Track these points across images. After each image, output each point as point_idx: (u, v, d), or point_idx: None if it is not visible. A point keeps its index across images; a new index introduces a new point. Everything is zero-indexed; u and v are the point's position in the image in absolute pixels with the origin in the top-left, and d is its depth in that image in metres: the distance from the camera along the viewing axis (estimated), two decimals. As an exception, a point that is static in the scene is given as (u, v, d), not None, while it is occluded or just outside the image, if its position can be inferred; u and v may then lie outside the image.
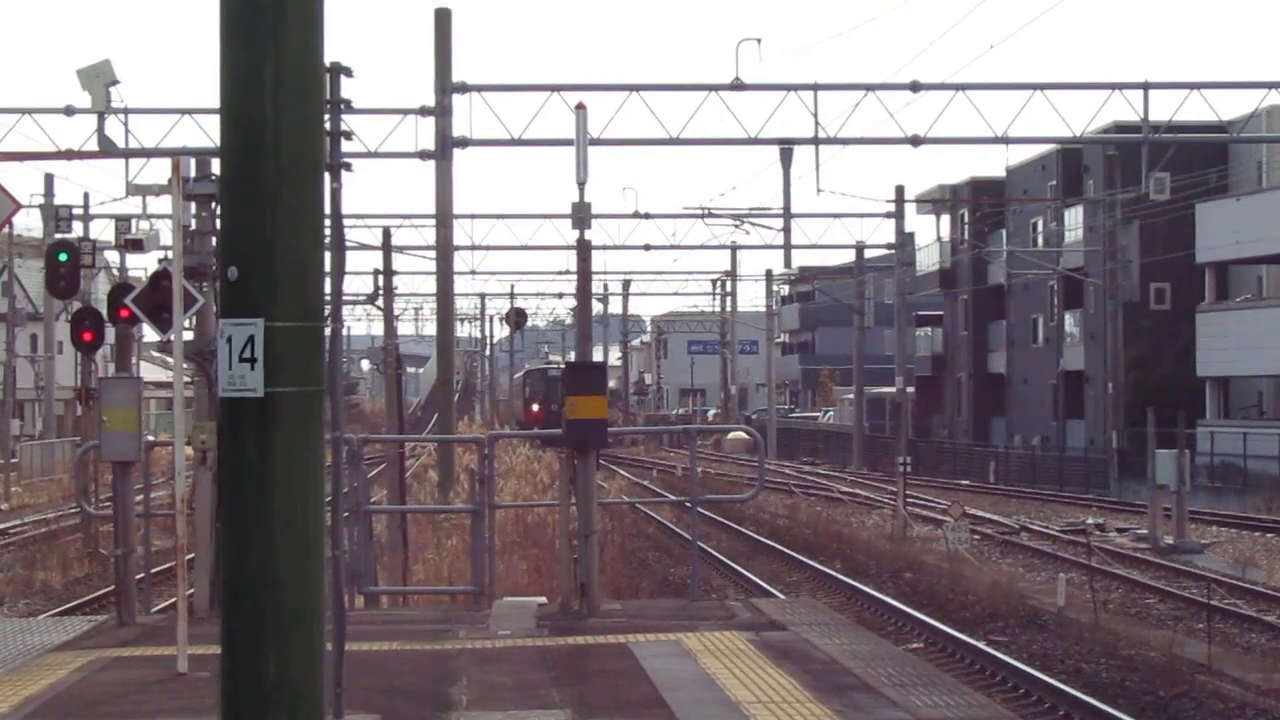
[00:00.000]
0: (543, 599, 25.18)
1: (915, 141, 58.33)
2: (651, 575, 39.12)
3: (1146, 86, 57.25)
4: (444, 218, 52.68)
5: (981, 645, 30.77)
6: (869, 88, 55.81)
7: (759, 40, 57.61)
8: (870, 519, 65.42)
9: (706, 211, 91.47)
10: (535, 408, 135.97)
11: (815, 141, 57.36)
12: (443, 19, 51.60)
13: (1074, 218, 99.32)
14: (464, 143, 51.72)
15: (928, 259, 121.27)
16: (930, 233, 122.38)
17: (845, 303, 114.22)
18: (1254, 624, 35.01)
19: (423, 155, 51.75)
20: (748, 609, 24.07)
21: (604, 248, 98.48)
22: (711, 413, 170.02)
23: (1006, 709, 19.44)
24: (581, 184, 25.25)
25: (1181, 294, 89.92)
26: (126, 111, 48.77)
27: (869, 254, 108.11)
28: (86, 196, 70.47)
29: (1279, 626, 34.48)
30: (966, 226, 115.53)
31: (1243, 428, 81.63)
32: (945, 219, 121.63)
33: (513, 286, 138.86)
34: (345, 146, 16.24)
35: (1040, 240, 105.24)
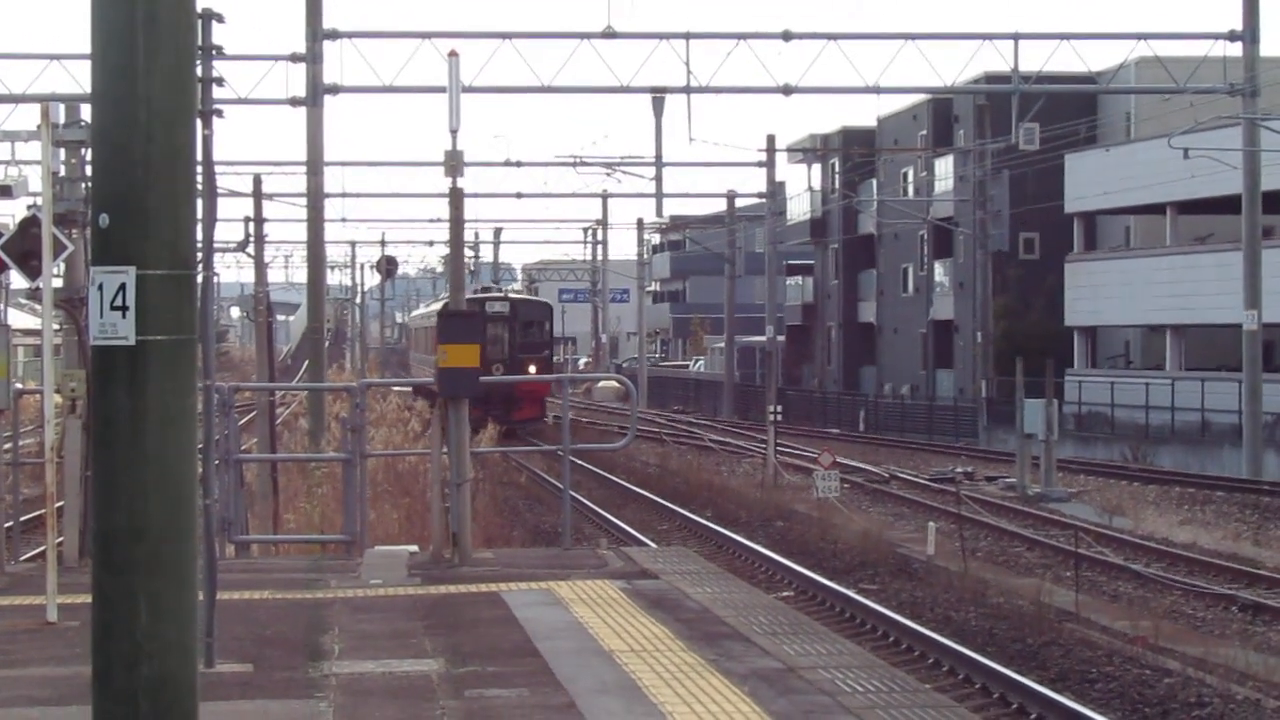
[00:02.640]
0: (414, 548, 25.18)
1: (787, 90, 58.54)
2: (524, 524, 39.21)
3: (1016, 37, 57.61)
4: (315, 165, 52.43)
5: (852, 594, 30.92)
6: (741, 36, 55.90)
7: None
8: (741, 467, 65.66)
9: (578, 160, 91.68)
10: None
11: (687, 90, 57.45)
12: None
13: (944, 167, 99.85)
14: (335, 89, 51.55)
15: (799, 208, 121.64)
16: (801, 182, 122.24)
17: (716, 252, 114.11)
18: (1120, 572, 35.31)
19: (294, 102, 51.50)
20: (620, 558, 24.11)
21: (476, 195, 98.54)
22: (583, 361, 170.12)
23: (877, 657, 19.50)
24: (454, 132, 25.19)
25: (1050, 244, 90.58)
26: (20, 58, 48.38)
27: (740, 203, 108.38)
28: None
29: (1145, 574, 34.80)
30: (837, 176, 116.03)
31: (1110, 377, 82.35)
32: (816, 168, 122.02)
33: (384, 234, 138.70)
34: (216, 93, 16.14)
35: (911, 190, 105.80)
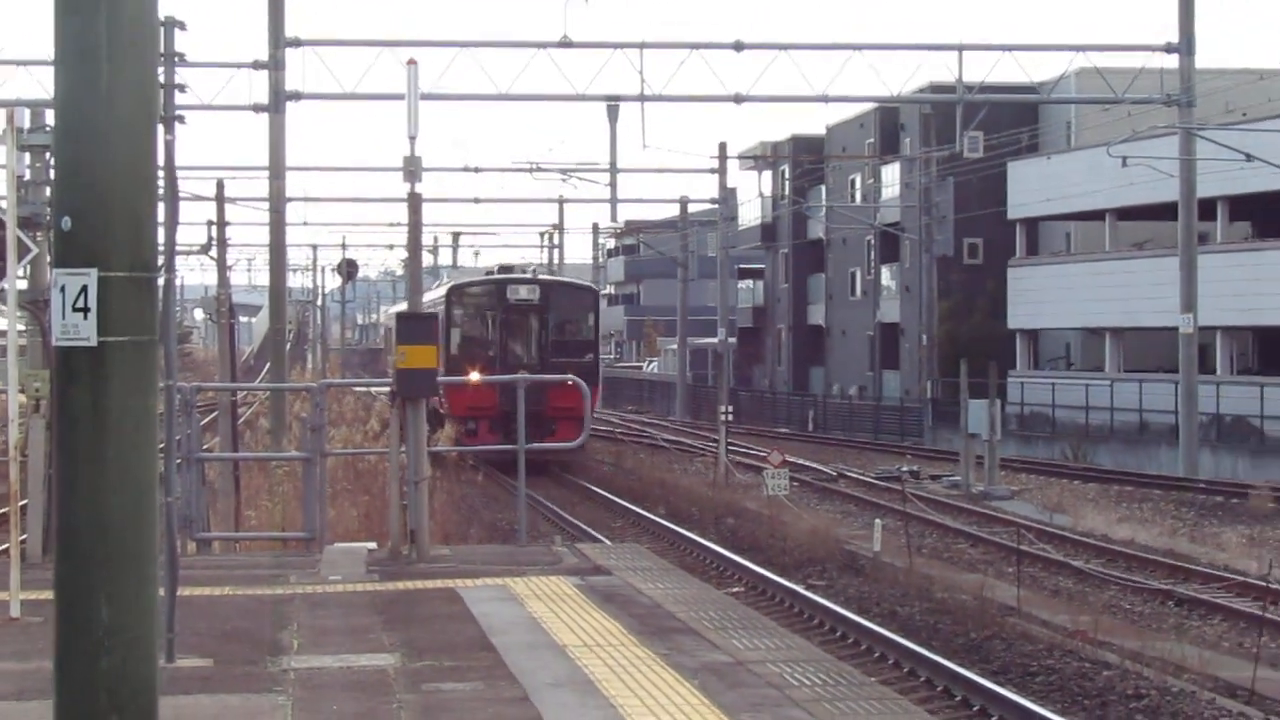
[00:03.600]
0: (373, 545, 25.11)
1: (738, 99, 58.58)
2: (480, 522, 39.17)
3: (961, 48, 57.69)
4: (277, 170, 52.21)
5: (800, 589, 30.93)
6: (694, 46, 55.85)
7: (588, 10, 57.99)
8: (693, 466, 65.64)
9: (535, 166, 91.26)
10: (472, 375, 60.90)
11: (641, 99, 57.36)
12: (272, -12, 51.18)
13: (891, 174, 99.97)
14: (297, 96, 51.40)
15: (750, 213, 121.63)
16: (752, 188, 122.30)
17: (669, 256, 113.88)
18: (1061, 568, 35.37)
19: (256, 108, 51.30)
20: (574, 554, 24.09)
21: (435, 200, 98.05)
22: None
23: (824, 651, 19.52)
24: (412, 138, 25.19)
25: (993, 249, 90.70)
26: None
27: (693, 208, 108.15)
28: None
29: (1084, 570, 34.86)
30: (787, 182, 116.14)
31: (1051, 378, 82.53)
32: (767, 175, 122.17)
33: (344, 238, 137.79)
34: (179, 99, 16.10)
35: (858, 196, 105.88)
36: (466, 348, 59.20)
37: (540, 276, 63.68)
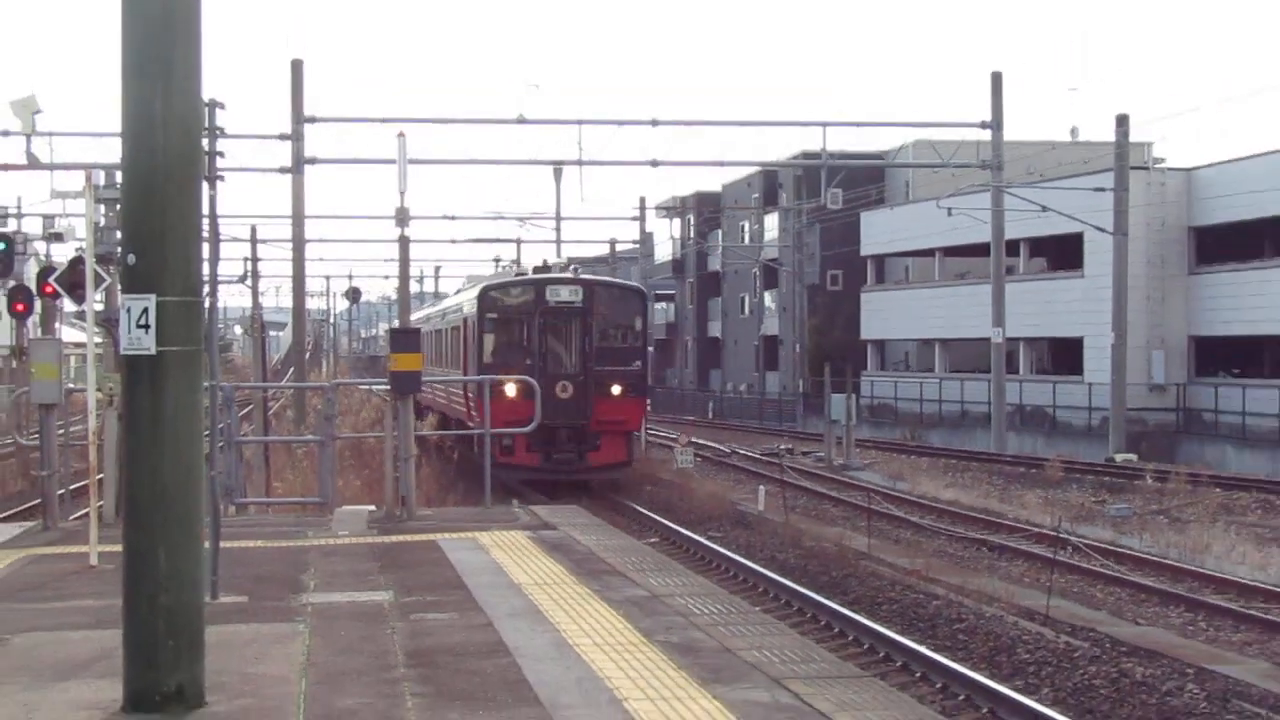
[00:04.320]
0: (373, 507, 24.97)
1: (654, 163, 58.69)
2: (456, 490, 38.98)
3: (825, 125, 57.80)
4: (298, 218, 52.12)
5: (702, 539, 30.92)
6: (620, 123, 55.81)
7: (538, 85, 57.97)
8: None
9: (498, 214, 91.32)
10: (511, 392, 38.32)
11: (579, 163, 57.34)
12: (297, 67, 51.03)
13: (771, 222, 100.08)
14: (313, 161, 51.19)
15: (663, 251, 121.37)
16: (666, 232, 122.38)
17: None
18: (901, 522, 35.43)
19: (282, 170, 51.08)
20: (528, 514, 24.02)
21: (420, 241, 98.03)
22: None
23: (720, 587, 19.54)
24: (402, 193, 25.41)
25: (850, 278, 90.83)
26: (51, 134, 47.93)
27: (620, 247, 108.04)
28: (19, 200, 69.59)
29: (919, 524, 34.94)
30: (692, 227, 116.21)
31: (894, 377, 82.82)
32: (677, 221, 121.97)
33: (351, 270, 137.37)
34: (220, 163, 15.99)
35: (747, 238, 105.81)
36: (501, 355, 40.55)
37: (583, 276, 44.11)
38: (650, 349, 44.96)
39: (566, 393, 39.26)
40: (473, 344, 41.28)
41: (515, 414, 35.31)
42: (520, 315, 40.92)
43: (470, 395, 41.03)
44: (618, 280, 46.06)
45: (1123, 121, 55.64)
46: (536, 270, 44.61)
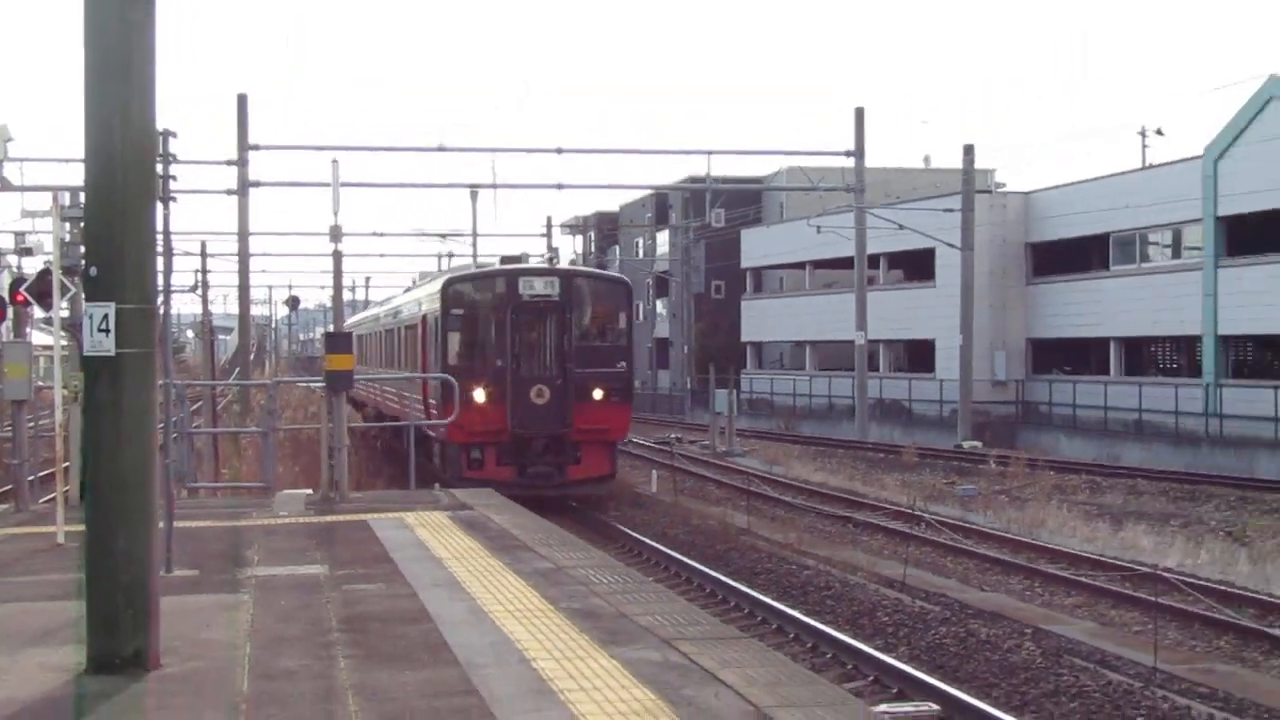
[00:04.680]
0: (310, 491, 24.83)
1: (560, 187, 59.23)
2: (384, 475, 38.83)
3: (710, 153, 57.89)
4: (243, 235, 51.63)
5: (602, 517, 30.94)
6: (530, 150, 55.72)
7: (457, 123, 57.54)
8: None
9: (421, 231, 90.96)
10: (480, 397, 31.65)
11: (494, 186, 57.30)
12: (242, 101, 50.59)
13: (662, 238, 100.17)
14: (257, 184, 50.67)
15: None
16: (570, 247, 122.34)
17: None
18: (777, 502, 35.56)
19: (229, 192, 50.60)
20: (448, 497, 23.97)
21: (353, 255, 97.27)
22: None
23: (618, 560, 19.52)
24: (335, 213, 25.01)
25: (732, 288, 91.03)
26: (22, 160, 47.30)
27: (531, 262, 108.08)
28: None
29: (792, 503, 35.08)
30: (593, 243, 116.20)
31: (770, 375, 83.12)
32: (580, 238, 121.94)
33: (290, 280, 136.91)
34: (173, 186, 15.87)
35: (641, 252, 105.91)
36: (468, 357, 32.21)
37: (560, 267, 36.21)
38: (632, 349, 34.01)
39: (542, 398, 31.20)
40: (434, 344, 32.81)
41: (485, 422, 30.27)
42: (489, 311, 32.30)
43: (432, 402, 32.60)
44: (599, 271, 35.84)
45: (969, 151, 56.10)
46: (506, 260, 35.45)
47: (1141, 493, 37.07)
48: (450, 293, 32.24)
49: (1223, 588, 22.21)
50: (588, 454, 31.94)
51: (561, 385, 31.45)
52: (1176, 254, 57.03)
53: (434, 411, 32.04)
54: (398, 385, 39.88)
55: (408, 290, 50.99)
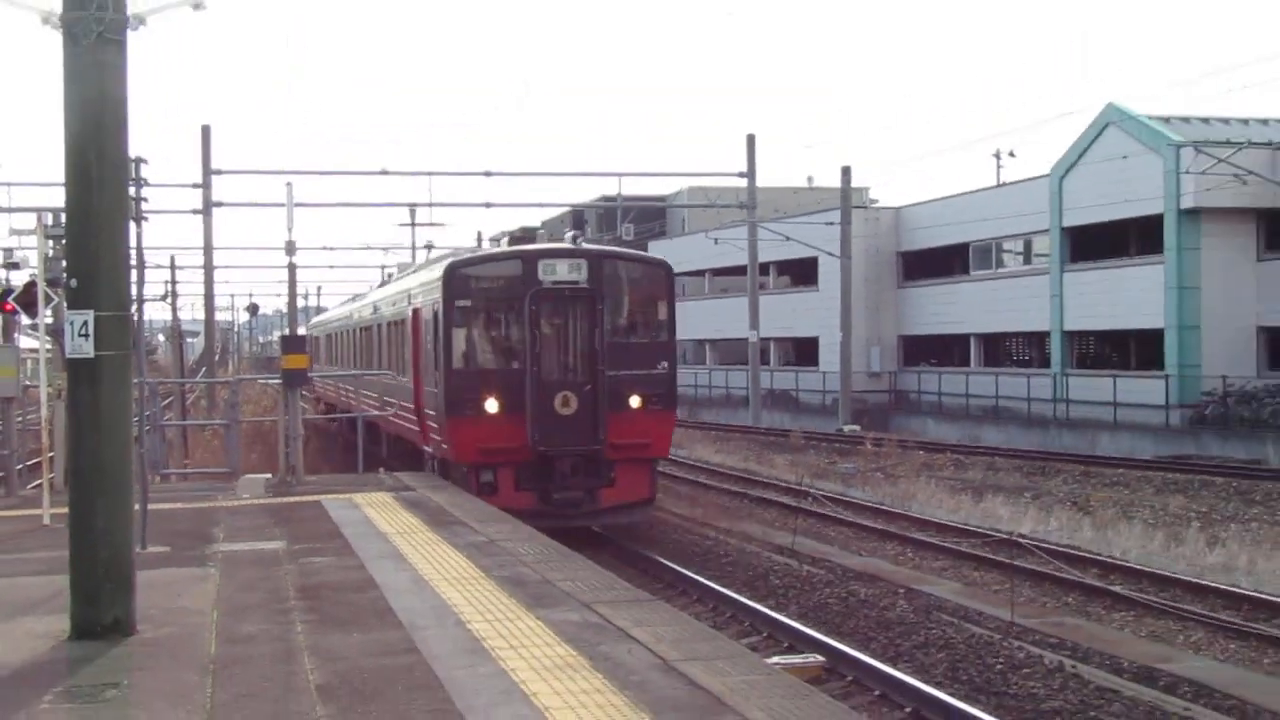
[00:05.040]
0: (269, 475, 24.67)
1: (488, 205, 58.89)
2: (335, 461, 38.52)
3: (621, 175, 58.38)
4: (208, 249, 51.08)
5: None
6: (461, 174, 55.79)
7: (397, 143, 57.17)
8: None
9: (367, 245, 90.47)
10: (492, 408, 22.89)
11: (430, 205, 57.18)
12: (206, 131, 49.97)
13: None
14: (220, 204, 50.03)
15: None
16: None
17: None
18: (682, 480, 35.52)
19: (194, 212, 50.06)
20: (392, 480, 23.86)
21: (305, 266, 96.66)
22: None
23: (539, 531, 19.51)
24: (289, 229, 25.07)
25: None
26: (9, 184, 46.71)
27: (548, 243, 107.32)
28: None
29: (696, 481, 35.10)
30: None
31: (691, 369, 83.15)
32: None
33: (251, 289, 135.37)
34: (144, 206, 15.74)
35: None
36: (476, 359, 24.24)
37: (588, 246, 25.57)
38: (675, 346, 25.39)
39: (569, 407, 22.91)
40: (433, 343, 24.41)
41: (499, 438, 22.43)
42: (504, 302, 23.80)
43: (431, 412, 24.71)
44: (634, 252, 27.27)
45: (846, 172, 56.42)
46: (516, 240, 26.47)
47: (999, 469, 37.45)
48: (455, 279, 23.51)
49: (1070, 551, 22.49)
50: (624, 474, 23.42)
51: (592, 391, 22.98)
52: (1028, 260, 57.58)
53: (430, 424, 24.61)
54: (381, 390, 32.06)
55: (383, 284, 42.69)
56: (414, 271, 31.91)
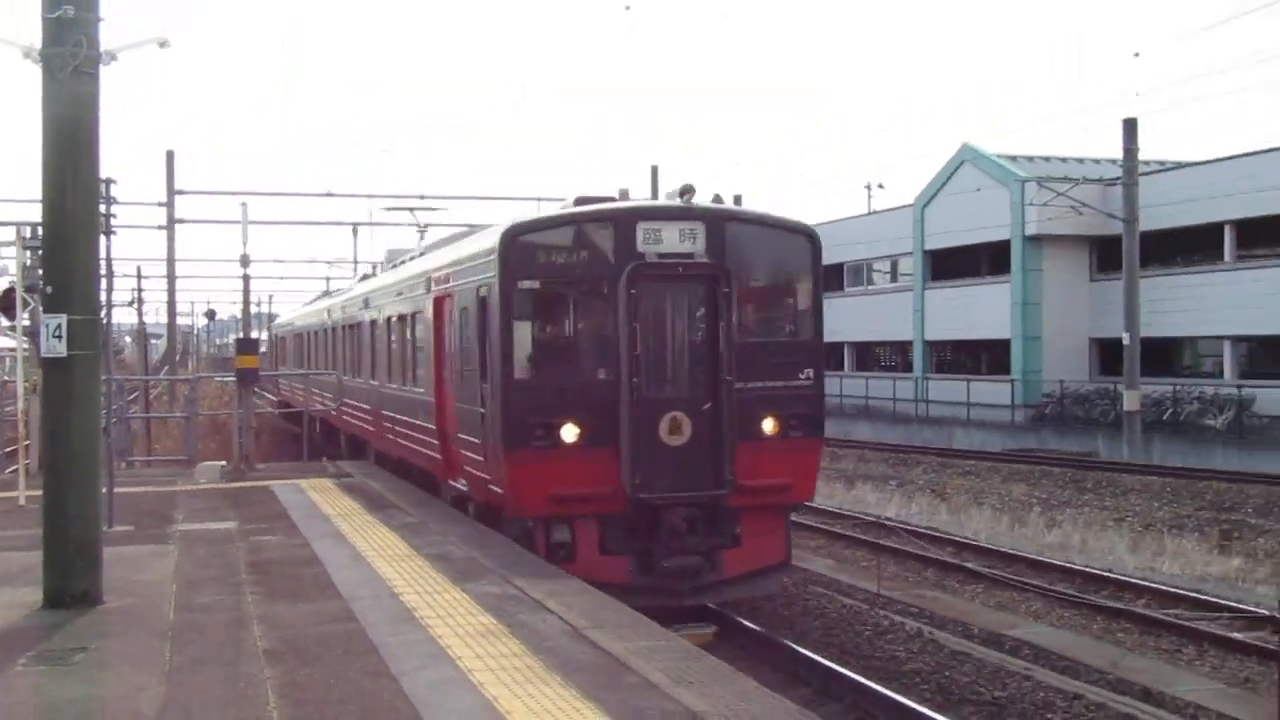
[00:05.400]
0: (224, 463, 24.34)
1: (424, 229, 58.28)
2: (285, 451, 38.06)
3: (539, 199, 57.78)
4: (170, 261, 49.91)
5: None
6: (397, 196, 55.28)
7: (392, 144, 56.56)
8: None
9: (314, 259, 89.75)
10: (570, 436, 13.32)
11: (371, 224, 56.79)
12: (170, 156, 48.81)
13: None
14: (182, 221, 48.81)
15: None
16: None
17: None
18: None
19: (159, 227, 49.24)
20: (334, 468, 23.64)
21: (258, 277, 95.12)
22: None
23: (464, 516, 19.43)
24: (244, 244, 24.67)
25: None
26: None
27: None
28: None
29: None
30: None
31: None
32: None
33: (209, 297, 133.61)
34: (113, 221, 15.53)
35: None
36: (545, 365, 13.51)
37: (704, 205, 13.92)
38: (822, 344, 14.56)
39: (681, 435, 13.81)
40: (478, 343, 14.76)
41: (579, 480, 13.64)
42: (586, 283, 14.06)
43: (471, 439, 15.28)
44: (769, 214, 15.06)
45: (738, 200, 56.41)
46: (583, 201, 14.81)
47: (869, 460, 37.79)
48: (518, 250, 13.97)
49: (929, 531, 22.77)
50: (752, 528, 14.28)
51: (713, 412, 13.92)
52: (894, 279, 58.22)
53: (467, 453, 15.63)
54: (375, 401, 23.14)
55: (366, 279, 31.72)
56: (420, 255, 22.14)
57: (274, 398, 47.36)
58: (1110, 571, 18.82)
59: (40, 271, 19.12)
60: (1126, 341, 38.06)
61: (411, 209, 30.17)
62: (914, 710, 11.30)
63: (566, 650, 8.83)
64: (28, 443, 19.78)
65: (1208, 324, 41.38)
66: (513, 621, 9.72)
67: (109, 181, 15.08)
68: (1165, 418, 39.75)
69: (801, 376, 14.42)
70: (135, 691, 7.97)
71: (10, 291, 19.72)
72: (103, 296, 11.41)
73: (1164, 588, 17.47)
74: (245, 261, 32.75)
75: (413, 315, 19.32)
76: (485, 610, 10.16)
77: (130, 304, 68.58)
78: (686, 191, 14.20)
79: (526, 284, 13.76)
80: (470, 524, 15.46)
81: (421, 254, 22.20)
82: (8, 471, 23.78)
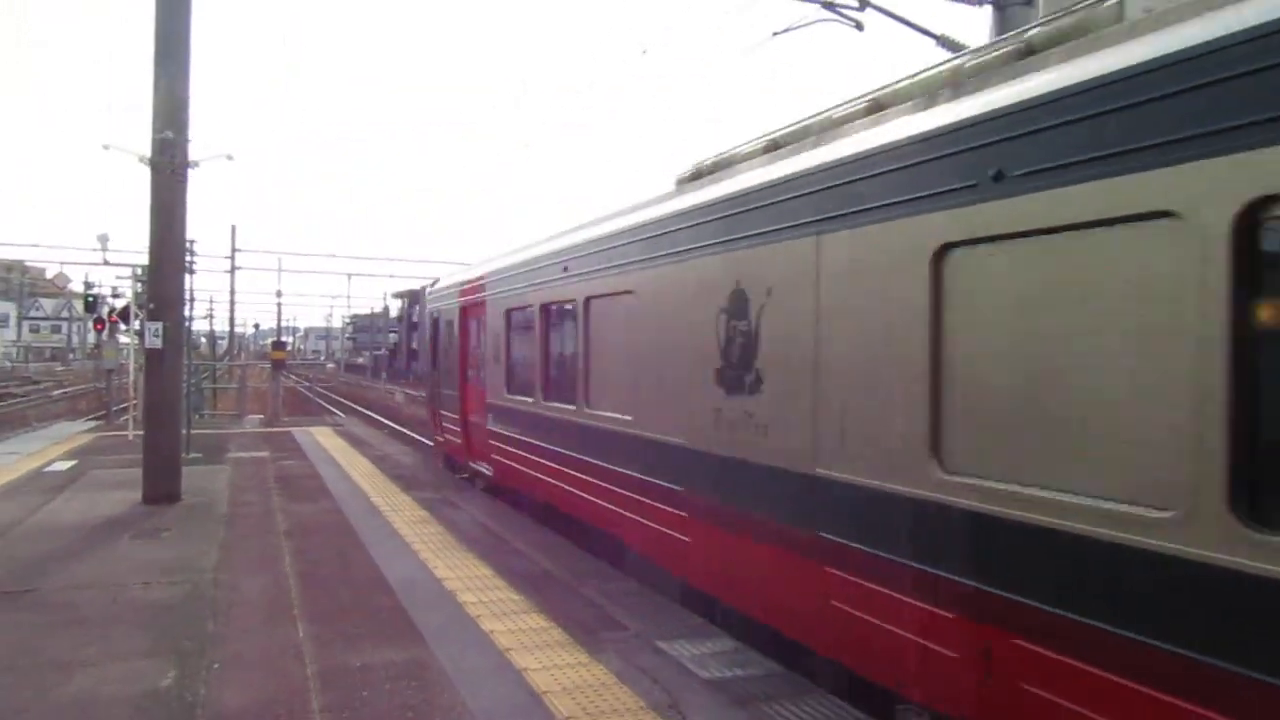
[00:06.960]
0: (262, 416, 23.42)
1: (350, 277, 56.30)
2: (304, 409, 36.54)
3: (440, 263, 56.29)
4: (232, 294, 47.79)
5: (406, 431, 28.87)
6: (317, 254, 53.68)
7: (394, 140, 53.37)
8: (372, 393, 61.28)
9: (307, 271, 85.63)
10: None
11: (349, 275, 54.87)
12: (233, 228, 47.45)
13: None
14: (240, 268, 47.87)
15: (394, 311, 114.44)
16: (396, 307, 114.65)
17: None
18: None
19: (225, 271, 46.90)
20: (333, 418, 22.94)
21: (288, 303, 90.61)
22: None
23: (417, 451, 18.90)
24: (279, 281, 23.68)
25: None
26: (117, 250, 43.13)
27: (378, 305, 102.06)
28: (99, 281, 62.55)
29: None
30: (409, 302, 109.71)
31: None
32: (402, 301, 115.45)
33: (257, 312, 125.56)
34: (195, 265, 14.85)
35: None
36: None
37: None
38: None
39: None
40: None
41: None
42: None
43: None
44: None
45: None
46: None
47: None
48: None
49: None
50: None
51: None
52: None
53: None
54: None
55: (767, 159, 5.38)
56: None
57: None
58: None
59: (147, 295, 18.28)
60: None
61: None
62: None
63: (470, 529, 8.80)
64: (135, 400, 18.78)
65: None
66: (439, 514, 9.63)
67: (192, 241, 14.45)
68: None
69: None
70: (201, 554, 7.69)
71: (127, 307, 18.73)
72: (185, 311, 10.92)
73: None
74: (279, 295, 31.66)
75: (701, 295, 5.47)
76: (421, 507, 10.03)
77: (204, 317, 65.33)
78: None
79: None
80: (417, 457, 15.18)
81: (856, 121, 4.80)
82: (121, 420, 22.49)
